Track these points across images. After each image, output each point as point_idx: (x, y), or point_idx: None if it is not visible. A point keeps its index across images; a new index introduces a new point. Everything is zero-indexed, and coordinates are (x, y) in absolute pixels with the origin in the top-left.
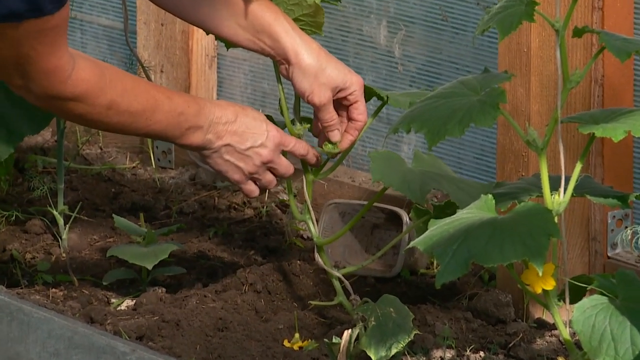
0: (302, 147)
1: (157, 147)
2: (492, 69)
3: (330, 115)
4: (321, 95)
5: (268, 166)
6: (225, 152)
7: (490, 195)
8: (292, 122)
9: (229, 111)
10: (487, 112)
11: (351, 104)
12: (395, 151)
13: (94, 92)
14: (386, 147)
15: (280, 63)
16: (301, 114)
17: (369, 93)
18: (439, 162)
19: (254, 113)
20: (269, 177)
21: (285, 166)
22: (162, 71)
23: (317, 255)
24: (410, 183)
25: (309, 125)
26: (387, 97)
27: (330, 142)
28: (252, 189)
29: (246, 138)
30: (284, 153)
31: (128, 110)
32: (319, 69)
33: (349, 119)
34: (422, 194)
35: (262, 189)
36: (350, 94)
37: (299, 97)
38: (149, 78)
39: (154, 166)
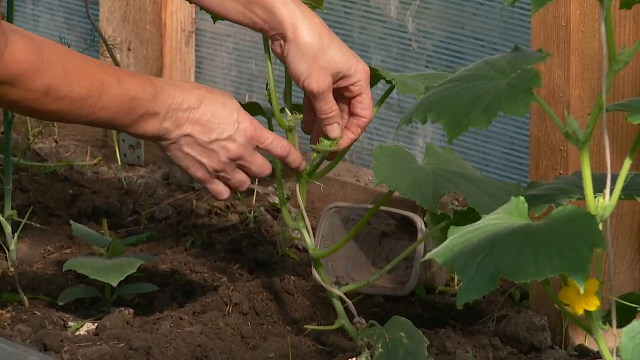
0: (280, 146)
1: (123, 140)
2: (524, 47)
3: (329, 105)
4: (320, 81)
5: (237, 163)
6: (185, 143)
7: (522, 198)
8: (282, 110)
9: (192, 95)
10: (518, 98)
11: (354, 97)
12: (408, 145)
13: (29, 75)
14: (397, 140)
15: (274, 39)
16: (293, 102)
17: (374, 76)
18: (456, 158)
19: (224, 98)
20: (239, 177)
21: (259, 165)
22: (129, 49)
23: (314, 270)
24: (421, 186)
25: (302, 116)
26: (394, 81)
27: (327, 138)
28: (220, 189)
29: (211, 128)
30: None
31: (69, 95)
32: (320, 49)
33: (351, 114)
34: (435, 198)
35: (234, 190)
36: (353, 84)
37: (290, 80)
38: (113, 58)
39: (119, 163)
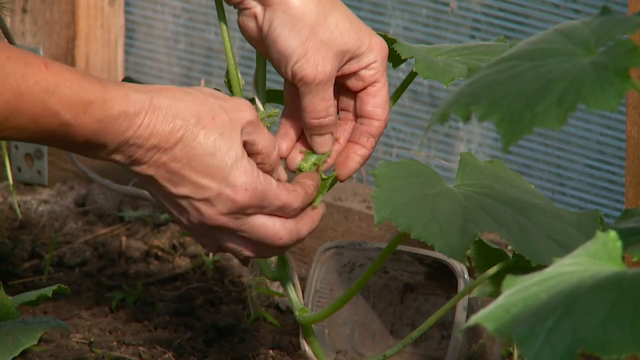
0: (293, 209)
1: (16, 147)
2: (617, 8)
3: (326, 103)
4: (319, 64)
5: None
6: (148, 183)
7: (612, 233)
8: (252, 101)
9: (166, 128)
10: (607, 84)
11: (364, 88)
12: (445, 153)
13: None
14: (427, 148)
15: (244, 6)
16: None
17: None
18: (510, 175)
19: (220, 141)
20: (224, 246)
21: (246, 249)
22: (24, 11)
23: (303, 342)
24: (444, 223)
25: (278, 112)
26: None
27: (314, 152)
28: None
29: (181, 181)
30: None
31: None
32: (318, 16)
33: (358, 116)
34: (463, 242)
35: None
36: (366, 67)
37: (264, 60)
38: (2, 23)
39: (10, 182)
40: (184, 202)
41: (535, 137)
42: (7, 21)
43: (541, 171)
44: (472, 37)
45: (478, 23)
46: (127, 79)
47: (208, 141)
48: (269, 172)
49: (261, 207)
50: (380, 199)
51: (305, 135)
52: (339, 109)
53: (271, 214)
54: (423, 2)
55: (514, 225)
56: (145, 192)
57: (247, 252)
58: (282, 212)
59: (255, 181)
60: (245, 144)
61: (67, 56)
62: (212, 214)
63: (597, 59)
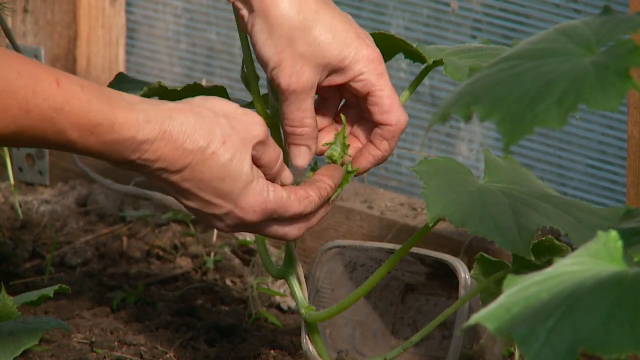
0: (300, 227)
1: (17, 147)
2: (618, 8)
3: (300, 113)
4: (293, 74)
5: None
6: (158, 184)
7: (613, 233)
8: (265, 97)
9: (175, 152)
10: (608, 85)
11: (363, 97)
12: (447, 153)
13: None
14: (428, 147)
15: (236, 7)
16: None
17: (393, 49)
18: (524, 172)
19: (231, 165)
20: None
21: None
22: (26, 11)
23: (306, 341)
24: (498, 219)
25: None
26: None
27: (335, 144)
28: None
29: (191, 197)
30: None
31: None
32: (299, 26)
33: (373, 122)
34: (525, 237)
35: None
36: (354, 80)
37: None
38: (3, 23)
39: (11, 182)
40: (193, 211)
41: (537, 137)
42: (9, 21)
43: (542, 171)
44: (473, 37)
45: (479, 23)
46: (120, 77)
47: (217, 166)
48: (272, 180)
49: (271, 220)
50: (431, 196)
51: (330, 126)
52: (359, 118)
53: (282, 221)
54: (424, 2)
55: (562, 221)
56: (147, 192)
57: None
58: (293, 220)
59: (265, 202)
60: (252, 158)
61: (68, 56)
62: (221, 226)
63: (598, 59)
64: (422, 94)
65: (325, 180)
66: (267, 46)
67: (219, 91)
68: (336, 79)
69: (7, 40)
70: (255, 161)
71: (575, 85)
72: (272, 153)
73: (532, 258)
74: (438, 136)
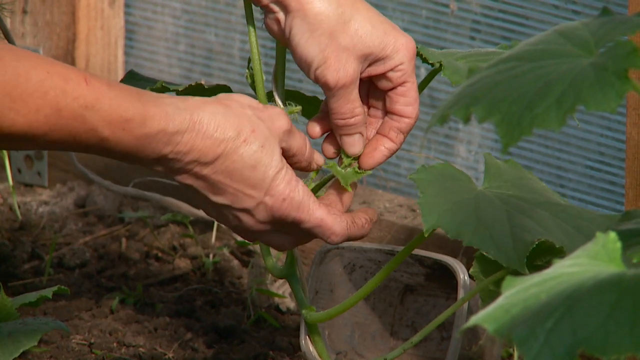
0: (332, 233)
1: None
2: (617, 9)
3: (351, 105)
4: (340, 69)
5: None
6: (186, 188)
7: (612, 235)
8: (269, 95)
9: (208, 144)
10: (607, 86)
11: (393, 88)
12: (446, 154)
13: None
14: (427, 148)
15: (269, 10)
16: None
17: None
18: (526, 176)
19: (261, 153)
20: (270, 242)
21: (278, 245)
22: (25, 12)
23: (305, 341)
24: (492, 229)
25: (299, 109)
26: (441, 64)
27: (345, 153)
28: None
29: (221, 192)
30: None
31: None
32: (339, 21)
33: (388, 112)
34: (519, 249)
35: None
36: (393, 69)
37: (283, 57)
38: (2, 24)
39: (10, 183)
40: (224, 210)
41: (536, 138)
42: (8, 22)
43: (541, 172)
44: (472, 38)
45: (478, 24)
46: (130, 74)
47: (249, 154)
48: (306, 166)
49: (299, 222)
50: (427, 206)
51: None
52: (368, 106)
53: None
54: (423, 3)
55: (558, 231)
56: (146, 194)
57: (288, 246)
58: (320, 230)
59: (294, 191)
60: (282, 150)
61: (67, 57)
62: (251, 222)
63: (596, 60)
64: (421, 95)
65: (361, 214)
66: (310, 45)
67: (222, 90)
68: (377, 69)
69: (6, 41)
70: (286, 152)
71: (574, 87)
72: (300, 140)
73: (527, 272)
74: (437, 137)
